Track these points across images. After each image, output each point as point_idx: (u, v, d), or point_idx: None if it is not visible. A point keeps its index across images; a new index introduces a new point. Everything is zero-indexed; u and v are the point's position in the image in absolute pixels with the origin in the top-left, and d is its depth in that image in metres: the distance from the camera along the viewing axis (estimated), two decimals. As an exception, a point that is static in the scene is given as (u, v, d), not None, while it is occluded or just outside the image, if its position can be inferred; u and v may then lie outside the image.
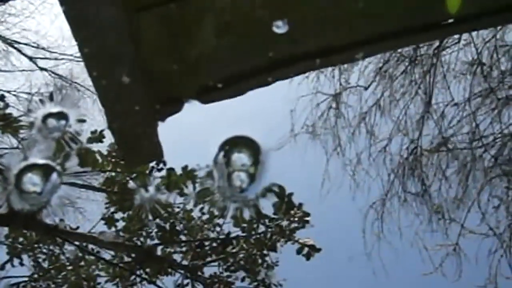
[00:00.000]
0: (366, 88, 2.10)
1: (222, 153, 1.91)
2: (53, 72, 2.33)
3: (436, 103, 2.06)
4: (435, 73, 2.10)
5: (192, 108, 2.07)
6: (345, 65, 2.14)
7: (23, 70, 2.33)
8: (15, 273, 1.92)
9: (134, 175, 1.98)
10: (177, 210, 1.95)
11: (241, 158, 1.89)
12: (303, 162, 1.97)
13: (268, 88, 2.08)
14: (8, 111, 2.16)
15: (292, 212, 1.90)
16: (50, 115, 2.06)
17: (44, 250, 1.94)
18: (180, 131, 2.05)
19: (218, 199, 1.88)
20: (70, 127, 2.04)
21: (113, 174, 2.02)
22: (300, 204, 1.91)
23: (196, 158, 1.97)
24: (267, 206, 1.89)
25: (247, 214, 1.87)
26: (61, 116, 2.06)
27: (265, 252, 1.87)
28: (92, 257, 1.91)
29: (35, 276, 1.92)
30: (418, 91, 2.09)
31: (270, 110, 2.07)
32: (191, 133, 2.04)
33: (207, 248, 1.87)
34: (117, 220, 1.95)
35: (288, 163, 1.95)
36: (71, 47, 2.31)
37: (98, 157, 2.03)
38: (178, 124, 2.05)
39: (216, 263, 1.86)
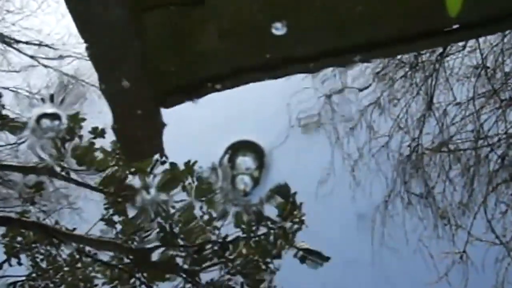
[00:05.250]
0: (360, 90, 2.08)
1: (226, 156, 1.93)
2: (56, 69, 2.32)
3: (437, 103, 2.05)
4: (437, 77, 2.09)
5: (195, 104, 2.10)
6: (342, 68, 2.13)
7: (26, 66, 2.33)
8: (12, 272, 1.90)
9: (133, 169, 1.97)
10: (177, 209, 1.92)
11: (245, 161, 1.90)
12: (300, 157, 1.95)
13: (263, 83, 2.12)
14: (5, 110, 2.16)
15: (295, 212, 1.87)
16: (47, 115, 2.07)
17: (42, 251, 1.92)
18: (181, 127, 2.07)
19: (219, 199, 1.89)
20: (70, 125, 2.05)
21: (113, 170, 2.00)
22: (301, 203, 1.88)
23: (197, 155, 1.99)
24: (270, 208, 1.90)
25: (249, 217, 1.88)
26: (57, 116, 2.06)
27: (265, 258, 1.84)
28: (90, 259, 1.89)
29: (33, 275, 1.91)
30: (420, 92, 2.07)
31: (265, 105, 2.07)
32: (192, 130, 2.04)
33: (207, 252, 1.84)
34: (116, 223, 1.93)
35: (286, 158, 1.94)
36: (77, 45, 2.30)
37: (99, 154, 2.04)
38: (178, 120, 2.09)
39: (215, 267, 1.83)
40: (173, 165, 1.97)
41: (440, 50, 2.18)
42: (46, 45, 2.35)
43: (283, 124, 2.02)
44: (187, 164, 1.96)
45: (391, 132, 1.99)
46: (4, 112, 2.16)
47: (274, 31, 2.16)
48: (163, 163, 1.97)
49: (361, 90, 2.08)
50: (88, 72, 2.25)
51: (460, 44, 2.16)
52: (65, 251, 1.91)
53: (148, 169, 1.96)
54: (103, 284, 1.85)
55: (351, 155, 1.96)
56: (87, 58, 2.24)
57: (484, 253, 1.74)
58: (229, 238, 1.84)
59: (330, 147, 1.98)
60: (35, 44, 2.36)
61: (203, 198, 1.91)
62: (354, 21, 2.21)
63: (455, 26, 2.08)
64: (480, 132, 1.97)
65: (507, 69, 2.10)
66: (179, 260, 1.84)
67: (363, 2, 2.19)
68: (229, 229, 1.87)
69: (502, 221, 1.80)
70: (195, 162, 1.96)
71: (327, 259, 1.77)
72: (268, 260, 1.82)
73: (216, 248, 1.84)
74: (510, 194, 1.84)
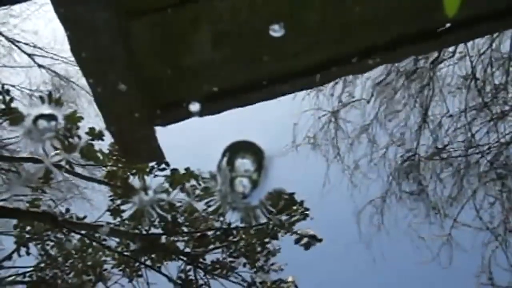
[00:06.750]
0: (368, 101, 2.17)
1: (225, 158, 1.94)
2: (50, 70, 2.41)
3: (432, 115, 2.14)
4: (433, 87, 2.17)
5: (191, 116, 2.06)
6: (346, 79, 2.18)
7: (23, 67, 2.42)
8: (21, 263, 1.96)
9: (134, 171, 2.03)
10: (179, 204, 1.99)
11: (244, 164, 1.92)
12: (304, 169, 2.01)
13: (272, 101, 2.08)
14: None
15: (294, 207, 1.96)
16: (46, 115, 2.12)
17: (52, 239, 1.99)
18: (180, 138, 2.04)
19: (220, 201, 1.93)
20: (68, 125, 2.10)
21: (115, 168, 2.07)
22: (302, 201, 1.97)
23: (197, 165, 2.03)
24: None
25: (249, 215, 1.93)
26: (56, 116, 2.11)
27: (266, 240, 1.93)
28: (98, 245, 1.95)
29: (42, 265, 1.96)
30: (416, 105, 2.16)
31: (272, 122, 2.10)
32: (191, 140, 2.04)
33: (209, 237, 1.92)
34: (123, 211, 1.99)
35: (289, 170, 1.98)
36: (65, 49, 2.31)
37: (99, 155, 2.08)
38: (177, 131, 2.04)
39: (218, 250, 1.92)
40: (173, 170, 2.02)
41: (434, 56, 2.22)
42: (40, 48, 2.46)
43: (288, 140, 2.09)
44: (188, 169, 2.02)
45: (388, 144, 2.09)
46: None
47: (271, 33, 2.18)
48: (162, 169, 2.04)
49: (368, 101, 2.18)
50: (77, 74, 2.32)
51: (451, 49, 2.22)
52: (74, 237, 1.98)
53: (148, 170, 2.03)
54: (112, 267, 1.93)
55: (350, 165, 2.05)
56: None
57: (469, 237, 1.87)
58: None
59: (328, 159, 2.08)
60: (30, 46, 2.48)
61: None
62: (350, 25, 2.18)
63: (447, 25, 2.02)
64: (472, 142, 2.07)
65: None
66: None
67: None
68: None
69: (487, 211, 1.93)
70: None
71: (320, 240, 1.90)
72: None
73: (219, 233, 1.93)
74: (497, 190, 1.97)
